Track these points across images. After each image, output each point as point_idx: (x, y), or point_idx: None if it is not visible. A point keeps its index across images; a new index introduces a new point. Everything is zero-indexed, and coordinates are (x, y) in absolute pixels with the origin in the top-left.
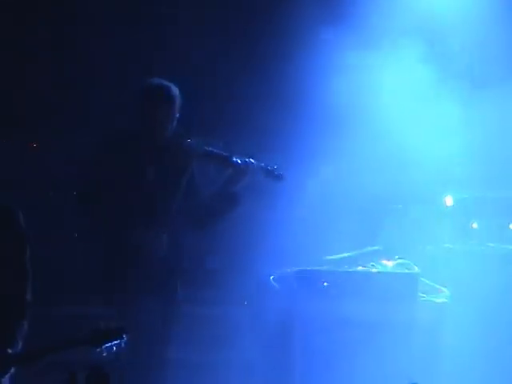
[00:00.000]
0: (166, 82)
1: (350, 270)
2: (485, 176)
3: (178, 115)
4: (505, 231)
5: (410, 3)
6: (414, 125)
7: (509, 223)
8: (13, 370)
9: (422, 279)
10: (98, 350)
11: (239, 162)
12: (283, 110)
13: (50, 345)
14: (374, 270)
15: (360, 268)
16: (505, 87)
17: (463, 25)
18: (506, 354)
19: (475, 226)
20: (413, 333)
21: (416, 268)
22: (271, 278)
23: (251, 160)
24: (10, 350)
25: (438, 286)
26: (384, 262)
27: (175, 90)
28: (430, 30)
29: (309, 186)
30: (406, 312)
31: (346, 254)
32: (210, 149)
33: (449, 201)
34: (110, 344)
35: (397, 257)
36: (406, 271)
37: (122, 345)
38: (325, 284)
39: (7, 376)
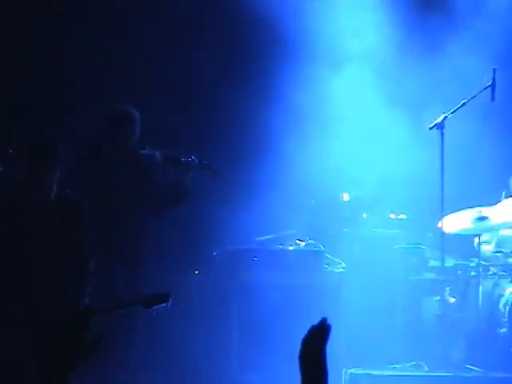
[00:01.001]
0: (129, 108)
1: (273, 247)
2: (373, 179)
3: (138, 131)
4: (386, 219)
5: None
6: (340, 136)
7: (389, 213)
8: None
9: (326, 255)
10: (149, 310)
11: (186, 160)
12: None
13: (115, 304)
14: (290, 247)
15: (280, 246)
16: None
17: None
18: (388, 309)
19: (365, 215)
20: (319, 293)
21: (322, 247)
22: (215, 253)
23: (194, 158)
24: (87, 304)
25: (337, 260)
26: (298, 242)
27: (136, 113)
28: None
29: (249, 185)
30: (314, 278)
31: (270, 236)
32: (163, 153)
33: (346, 197)
34: (158, 306)
35: (307, 238)
36: (314, 249)
37: (168, 306)
38: (255, 258)
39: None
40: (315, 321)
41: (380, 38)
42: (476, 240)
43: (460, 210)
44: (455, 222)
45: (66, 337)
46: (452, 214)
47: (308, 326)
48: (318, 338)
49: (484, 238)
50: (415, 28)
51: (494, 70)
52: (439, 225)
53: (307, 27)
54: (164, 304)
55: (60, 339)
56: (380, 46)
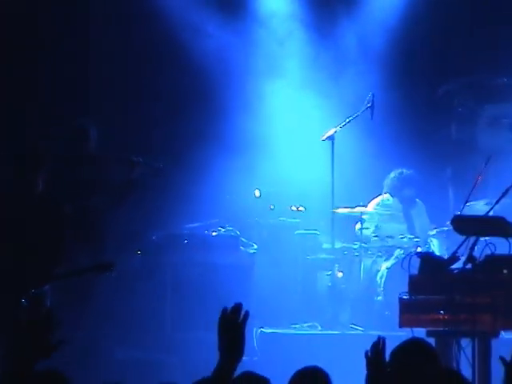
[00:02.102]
0: (86, 122)
1: (200, 232)
2: (278, 179)
3: (94, 137)
4: (288, 211)
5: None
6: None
7: (291, 206)
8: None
9: (242, 239)
10: (97, 276)
11: (135, 160)
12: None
13: (69, 271)
14: (213, 233)
15: (206, 232)
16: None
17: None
18: (290, 281)
19: (272, 207)
20: (237, 269)
21: (238, 232)
22: (154, 237)
23: (140, 159)
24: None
25: (250, 243)
26: (219, 228)
27: (92, 126)
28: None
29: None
30: (232, 257)
31: (198, 224)
32: (114, 154)
33: (257, 193)
34: (105, 273)
35: (227, 225)
36: (232, 234)
37: (113, 273)
38: (185, 241)
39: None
40: (233, 290)
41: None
42: (357, 226)
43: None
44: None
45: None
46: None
47: (227, 294)
48: (233, 319)
49: (365, 226)
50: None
51: (373, 94)
52: (332, 210)
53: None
54: (109, 272)
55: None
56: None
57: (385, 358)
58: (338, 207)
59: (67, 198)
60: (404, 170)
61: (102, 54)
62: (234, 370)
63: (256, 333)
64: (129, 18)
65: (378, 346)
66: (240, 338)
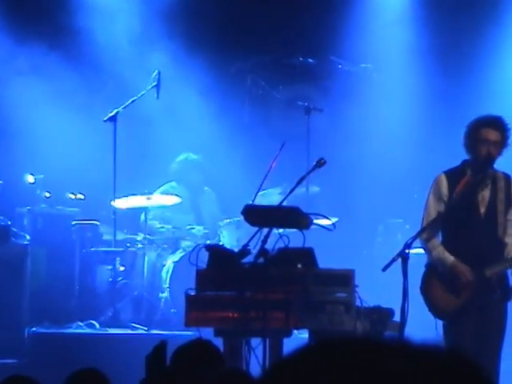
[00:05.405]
0: None
1: None
2: (54, 164)
3: None
4: (66, 199)
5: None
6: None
7: (68, 193)
8: None
9: (13, 229)
10: None
11: None
12: None
13: None
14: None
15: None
16: None
17: None
18: (67, 276)
19: (47, 195)
20: (7, 263)
21: (9, 222)
22: None
23: None
24: None
25: (23, 233)
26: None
27: None
28: None
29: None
30: (3, 250)
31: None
32: None
33: (30, 178)
34: None
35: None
36: (2, 224)
37: None
38: None
39: None
40: (3, 286)
41: None
42: (143, 216)
43: (131, 193)
44: (126, 202)
45: None
46: (124, 198)
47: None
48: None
49: (150, 216)
50: None
51: (159, 72)
52: (113, 203)
53: None
54: None
55: None
56: None
57: (165, 361)
58: (118, 197)
59: None
60: (190, 154)
61: None
62: None
63: (28, 333)
64: None
65: (160, 348)
66: None
